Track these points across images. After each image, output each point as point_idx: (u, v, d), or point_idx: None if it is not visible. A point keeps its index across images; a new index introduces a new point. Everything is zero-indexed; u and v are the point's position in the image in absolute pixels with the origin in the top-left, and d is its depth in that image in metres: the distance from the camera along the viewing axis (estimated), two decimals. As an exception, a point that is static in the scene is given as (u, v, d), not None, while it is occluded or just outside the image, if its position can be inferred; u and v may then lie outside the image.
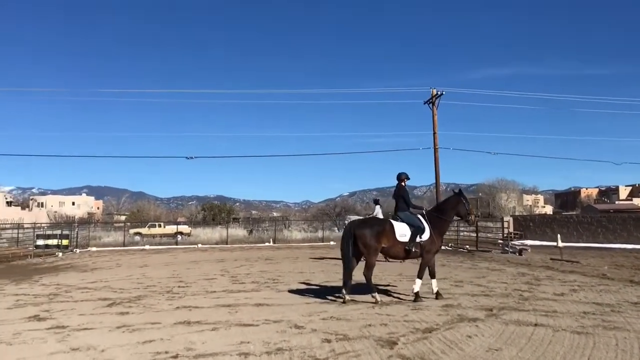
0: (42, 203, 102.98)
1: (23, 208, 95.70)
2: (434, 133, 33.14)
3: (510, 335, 6.99)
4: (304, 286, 12.57)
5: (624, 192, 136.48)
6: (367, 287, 9.90)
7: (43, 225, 47.30)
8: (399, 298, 10.40)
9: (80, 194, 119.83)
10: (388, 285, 12.36)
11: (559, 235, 22.85)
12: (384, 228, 9.87)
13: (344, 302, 9.71)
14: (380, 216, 22.47)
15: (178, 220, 67.36)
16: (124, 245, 36.93)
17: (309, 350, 6.27)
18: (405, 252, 9.96)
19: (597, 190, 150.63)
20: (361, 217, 23.44)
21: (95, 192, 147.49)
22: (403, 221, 10.12)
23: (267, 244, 36.79)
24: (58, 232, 34.77)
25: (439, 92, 33.26)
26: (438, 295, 10.09)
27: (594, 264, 17.51)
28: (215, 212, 67.52)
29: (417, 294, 9.93)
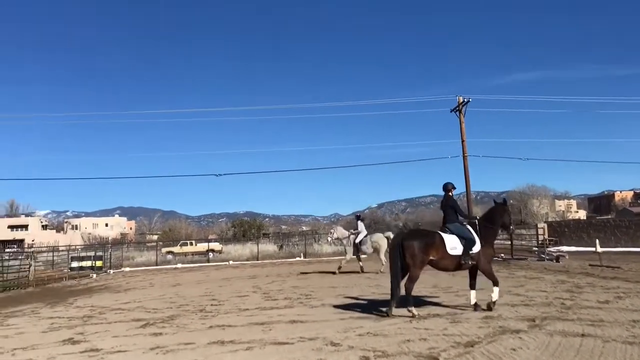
0: (76, 225, 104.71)
1: (58, 231, 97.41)
2: (462, 141, 32.66)
3: (557, 347, 6.67)
4: (337, 301, 12.34)
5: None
6: (404, 300, 9.64)
7: (77, 247, 48.02)
8: (437, 312, 10.11)
9: (113, 215, 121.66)
10: (425, 297, 12.07)
11: (597, 240, 22.13)
12: (433, 240, 9.63)
13: (387, 316, 9.44)
14: (364, 232, 22.23)
15: (209, 237, 67.76)
16: (156, 264, 37.17)
17: (347, 369, 6.07)
18: (455, 264, 9.76)
19: (631, 193, 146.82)
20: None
21: (128, 212, 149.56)
22: (453, 233, 9.88)
23: (297, 258, 36.61)
24: (92, 253, 35.24)
25: (465, 100, 32.82)
26: (477, 307, 9.79)
27: (636, 269, 16.91)
28: (245, 228, 67.74)
29: (493, 303, 9.78)
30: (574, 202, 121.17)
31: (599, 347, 6.57)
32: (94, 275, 28.39)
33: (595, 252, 20.95)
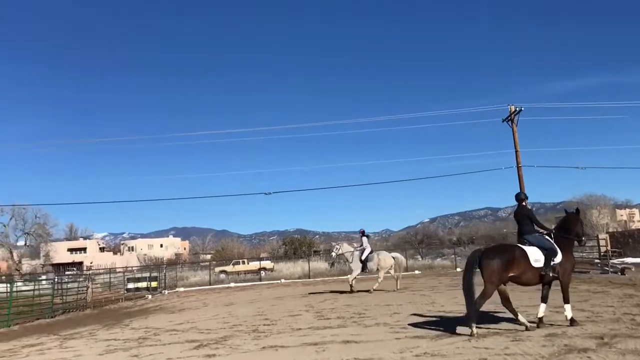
0: (132, 247, 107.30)
1: (115, 253, 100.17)
2: (516, 151, 31.82)
3: (630, 367, 6.22)
4: (392, 320, 12.01)
5: None
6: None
7: (133, 268, 49.11)
8: (497, 329, 9.67)
9: (168, 236, 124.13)
10: (483, 314, 11.62)
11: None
12: (514, 255, 9.23)
13: (471, 335, 8.87)
14: (369, 248, 21.72)
15: (261, 256, 68.20)
16: (210, 284, 37.59)
17: (405, 392, 5.81)
18: (539, 277, 9.37)
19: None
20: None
21: (182, 233, 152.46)
22: (533, 244, 9.50)
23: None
24: (147, 274, 35.97)
25: (517, 109, 32.06)
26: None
27: None
28: (296, 246, 67.78)
29: (572, 320, 9.34)
30: (636, 211, 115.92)
31: (678, 367, 6.09)
32: (149, 296, 28.90)
33: (663, 264, 19.89)
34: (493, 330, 9.44)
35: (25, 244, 70.02)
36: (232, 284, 35.98)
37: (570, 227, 9.85)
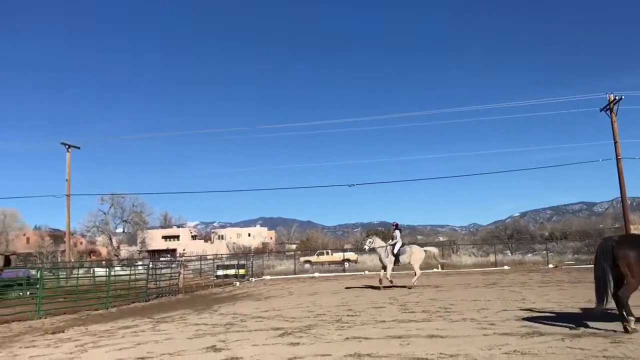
0: (222, 235, 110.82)
1: (206, 241, 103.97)
2: (615, 142, 30.03)
3: None
4: (479, 315, 11.64)
5: None
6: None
7: (222, 256, 50.78)
8: (594, 328, 9.07)
9: (255, 226, 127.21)
10: (578, 313, 11.00)
11: None
12: None
13: (626, 331, 8.34)
14: (400, 241, 20.77)
15: (344, 247, 68.46)
16: (294, 273, 38.21)
17: (493, 391, 5.57)
18: None
19: None
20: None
21: (269, 223, 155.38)
22: None
23: (434, 270, 35.67)
24: (235, 262, 37.10)
25: (616, 97, 30.21)
26: None
27: None
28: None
29: None
30: None
31: None
32: (237, 283, 29.76)
33: None
34: (589, 331, 8.88)
35: (124, 231, 74.36)
36: (316, 274, 36.38)
37: None
